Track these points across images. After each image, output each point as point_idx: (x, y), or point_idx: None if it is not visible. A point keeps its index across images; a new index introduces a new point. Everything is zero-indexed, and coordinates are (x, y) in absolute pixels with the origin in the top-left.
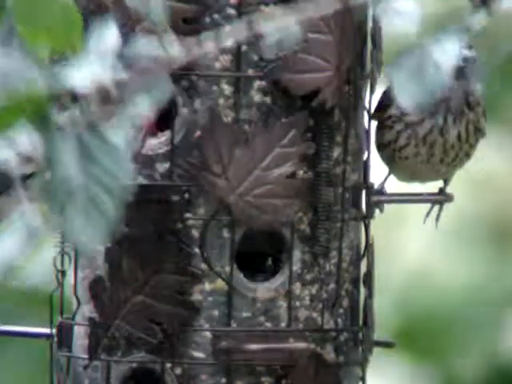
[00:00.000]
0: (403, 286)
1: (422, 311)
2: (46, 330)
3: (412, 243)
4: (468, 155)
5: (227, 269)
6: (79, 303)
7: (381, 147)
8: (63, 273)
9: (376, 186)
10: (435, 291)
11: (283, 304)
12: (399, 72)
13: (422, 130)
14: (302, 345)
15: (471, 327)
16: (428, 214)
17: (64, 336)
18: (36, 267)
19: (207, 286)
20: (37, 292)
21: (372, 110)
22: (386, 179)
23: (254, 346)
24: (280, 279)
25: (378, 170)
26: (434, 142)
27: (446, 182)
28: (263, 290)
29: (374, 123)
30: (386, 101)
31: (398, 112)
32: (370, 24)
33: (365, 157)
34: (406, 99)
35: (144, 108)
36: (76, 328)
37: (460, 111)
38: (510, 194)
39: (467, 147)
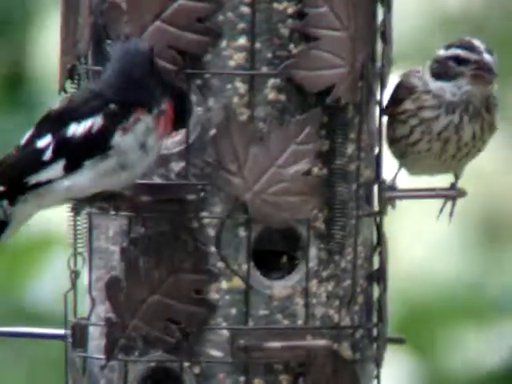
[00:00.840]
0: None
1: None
2: (61, 331)
3: (406, 238)
4: (480, 150)
5: (244, 267)
6: (94, 304)
7: (393, 142)
8: (76, 273)
9: (387, 182)
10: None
11: (300, 301)
12: None
13: (437, 127)
14: (319, 342)
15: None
16: (441, 209)
17: (79, 336)
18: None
19: (224, 285)
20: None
21: (384, 106)
22: (396, 175)
23: (271, 344)
24: (296, 276)
25: (389, 166)
26: (449, 138)
27: (456, 176)
28: (280, 287)
29: (385, 118)
30: (400, 95)
31: (413, 106)
32: (380, 20)
33: (376, 152)
34: None
35: None
36: (91, 328)
37: (477, 113)
38: (500, 189)
39: (480, 144)
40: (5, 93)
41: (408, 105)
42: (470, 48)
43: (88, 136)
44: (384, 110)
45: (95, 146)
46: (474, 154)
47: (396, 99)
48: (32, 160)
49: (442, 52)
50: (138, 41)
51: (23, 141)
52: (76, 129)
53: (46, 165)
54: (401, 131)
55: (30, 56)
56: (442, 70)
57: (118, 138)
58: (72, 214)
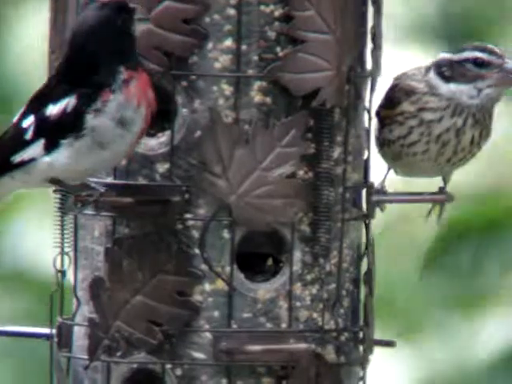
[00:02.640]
0: None
1: None
2: (46, 330)
3: None
4: (473, 156)
5: (227, 269)
6: (79, 303)
7: (386, 143)
8: (63, 273)
9: (376, 186)
10: None
11: (284, 304)
12: None
13: (437, 129)
14: (302, 346)
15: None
16: (429, 212)
17: (64, 336)
18: None
19: (207, 287)
20: None
21: (375, 108)
22: (385, 178)
23: (254, 347)
24: (280, 280)
25: (378, 170)
26: (448, 141)
27: (445, 181)
28: (264, 290)
29: (375, 121)
30: (396, 97)
31: (413, 108)
32: (370, 23)
33: (365, 156)
34: None
35: None
36: (76, 328)
37: (481, 118)
38: None
39: (476, 150)
40: None
41: (406, 106)
42: (490, 52)
43: (63, 116)
44: (377, 112)
45: (69, 125)
46: (468, 159)
47: (392, 101)
48: (17, 139)
49: (452, 55)
50: (93, 8)
51: (14, 120)
52: (53, 109)
53: (28, 144)
54: (398, 132)
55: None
56: (458, 73)
57: (91, 120)
58: (59, 213)
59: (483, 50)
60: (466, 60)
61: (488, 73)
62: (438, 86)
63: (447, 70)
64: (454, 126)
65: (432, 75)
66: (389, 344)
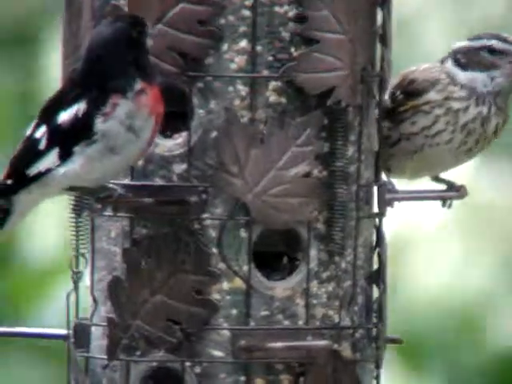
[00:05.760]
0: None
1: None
2: (63, 331)
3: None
4: (490, 145)
5: (245, 268)
6: (96, 304)
7: (405, 138)
8: (79, 274)
9: (387, 184)
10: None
11: (300, 302)
12: None
13: (464, 117)
14: (320, 342)
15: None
16: (443, 205)
17: (81, 337)
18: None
19: (225, 285)
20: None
21: (389, 105)
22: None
23: (272, 344)
24: (297, 277)
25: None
26: (474, 130)
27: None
28: (281, 288)
29: (391, 118)
30: (422, 88)
31: (439, 97)
32: (380, 23)
33: (376, 154)
34: None
35: None
36: (93, 328)
37: (502, 106)
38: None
39: (494, 138)
40: (18, 109)
41: (433, 95)
42: (506, 40)
43: (74, 122)
44: (395, 108)
45: (81, 131)
46: (484, 149)
47: (415, 93)
48: (31, 151)
49: (469, 43)
50: (108, 23)
51: (28, 132)
52: (64, 116)
53: (42, 154)
54: (422, 123)
55: (42, 72)
56: (473, 60)
57: (100, 124)
58: (74, 215)
59: (499, 38)
60: (482, 47)
61: (503, 61)
62: (455, 74)
63: (463, 58)
64: (480, 114)
65: (449, 64)
66: (395, 341)
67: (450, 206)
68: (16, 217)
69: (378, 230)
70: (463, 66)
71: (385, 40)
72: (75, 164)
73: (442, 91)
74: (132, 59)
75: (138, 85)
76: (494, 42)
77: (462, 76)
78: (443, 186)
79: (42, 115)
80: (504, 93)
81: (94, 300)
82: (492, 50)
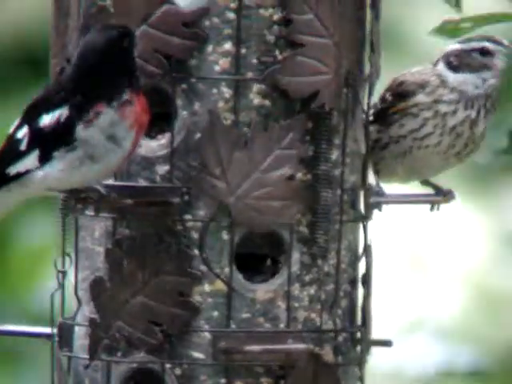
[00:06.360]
0: None
1: None
2: (48, 330)
3: None
4: (478, 149)
5: (226, 270)
6: (80, 304)
7: (394, 141)
8: (64, 273)
9: (374, 188)
10: None
11: (282, 305)
12: None
13: (452, 120)
14: (301, 346)
15: None
16: (432, 209)
17: (65, 336)
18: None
19: (207, 288)
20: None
21: (378, 107)
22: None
23: (253, 347)
24: (279, 280)
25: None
26: (462, 133)
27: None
28: (262, 291)
29: (374, 125)
30: (410, 91)
31: (428, 99)
32: (368, 28)
33: (363, 158)
34: None
35: None
36: (77, 328)
37: (490, 108)
38: None
39: (482, 141)
40: None
41: (421, 98)
42: (497, 42)
43: (55, 127)
44: (385, 110)
45: (61, 136)
46: (473, 152)
47: (403, 95)
48: (12, 150)
49: (460, 45)
50: (99, 30)
51: (10, 131)
52: (46, 120)
53: (23, 155)
54: (410, 126)
55: None
56: (465, 62)
57: (82, 131)
58: (60, 215)
59: (491, 40)
60: (473, 49)
61: (493, 63)
62: (447, 76)
63: (455, 60)
64: (468, 117)
65: (440, 66)
66: (386, 344)
67: (438, 209)
68: None
69: (365, 233)
70: (455, 68)
71: (372, 44)
72: (54, 168)
73: (431, 94)
74: (122, 69)
75: (126, 95)
76: (485, 44)
77: (453, 78)
78: (431, 190)
79: (26, 115)
80: (492, 96)
81: (78, 300)
82: (484, 52)
